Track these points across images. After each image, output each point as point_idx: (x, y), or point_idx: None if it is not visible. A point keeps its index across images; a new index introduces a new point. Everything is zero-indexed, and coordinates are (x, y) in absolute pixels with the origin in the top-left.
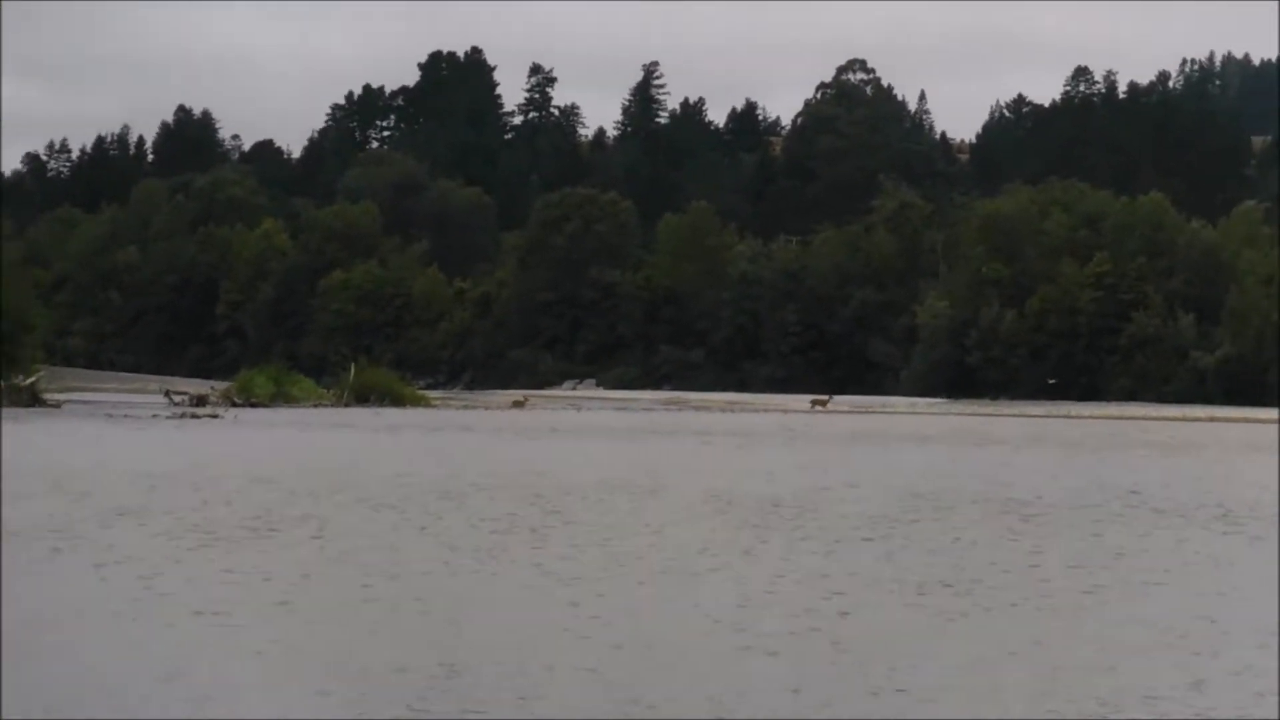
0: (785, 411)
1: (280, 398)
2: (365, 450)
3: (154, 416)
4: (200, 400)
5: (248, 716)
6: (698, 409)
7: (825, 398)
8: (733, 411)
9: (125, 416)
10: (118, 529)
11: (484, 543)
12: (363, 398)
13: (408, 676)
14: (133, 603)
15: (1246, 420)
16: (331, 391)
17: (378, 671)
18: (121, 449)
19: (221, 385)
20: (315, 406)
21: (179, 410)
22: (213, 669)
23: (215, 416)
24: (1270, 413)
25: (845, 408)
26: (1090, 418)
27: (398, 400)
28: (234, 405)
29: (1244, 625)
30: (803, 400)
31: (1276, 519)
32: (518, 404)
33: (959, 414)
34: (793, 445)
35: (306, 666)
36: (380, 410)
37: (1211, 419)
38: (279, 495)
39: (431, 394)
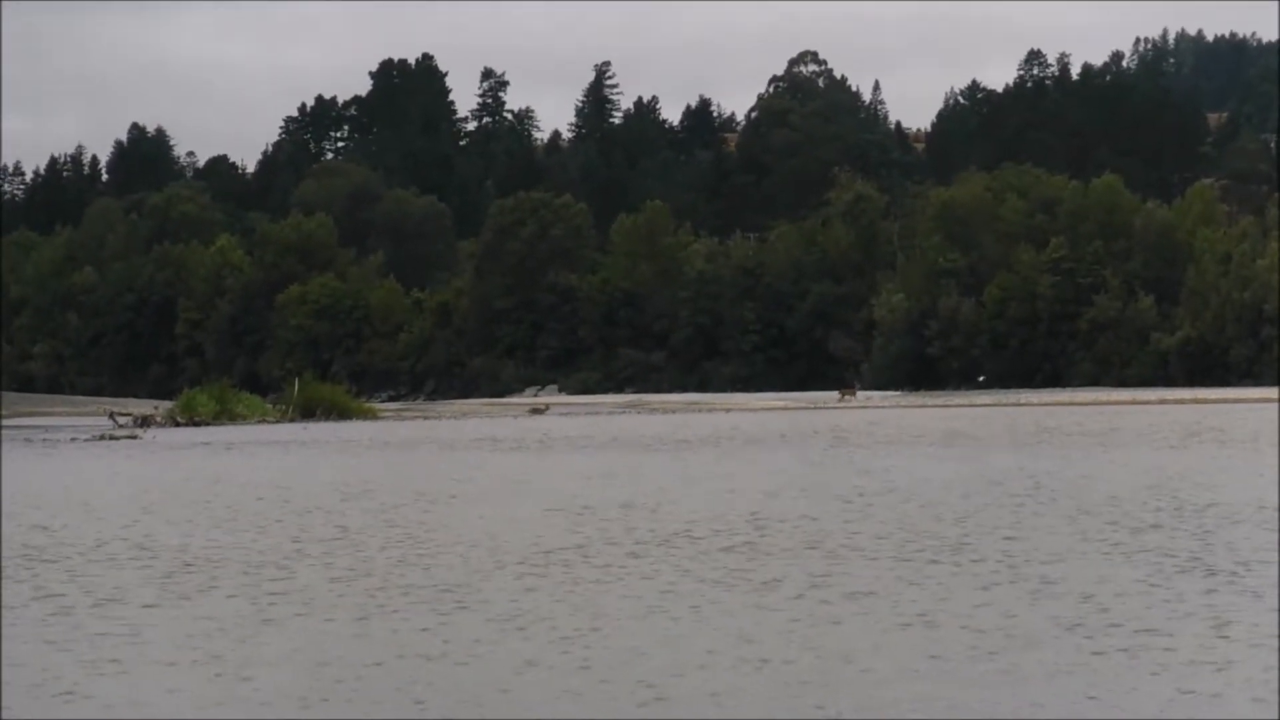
0: (815, 407)
1: (224, 415)
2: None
3: (73, 440)
4: (145, 421)
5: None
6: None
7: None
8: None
9: (42, 441)
10: None
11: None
12: (309, 413)
13: None
14: None
15: (1196, 401)
16: (276, 407)
17: None
18: None
19: (166, 405)
20: (260, 423)
21: (100, 432)
22: None
23: (133, 438)
24: (1219, 393)
25: (805, 404)
26: (1039, 405)
27: (344, 414)
28: (176, 425)
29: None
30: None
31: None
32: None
33: (908, 406)
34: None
35: None
36: (308, 425)
37: (1161, 401)
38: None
39: (389, 406)
